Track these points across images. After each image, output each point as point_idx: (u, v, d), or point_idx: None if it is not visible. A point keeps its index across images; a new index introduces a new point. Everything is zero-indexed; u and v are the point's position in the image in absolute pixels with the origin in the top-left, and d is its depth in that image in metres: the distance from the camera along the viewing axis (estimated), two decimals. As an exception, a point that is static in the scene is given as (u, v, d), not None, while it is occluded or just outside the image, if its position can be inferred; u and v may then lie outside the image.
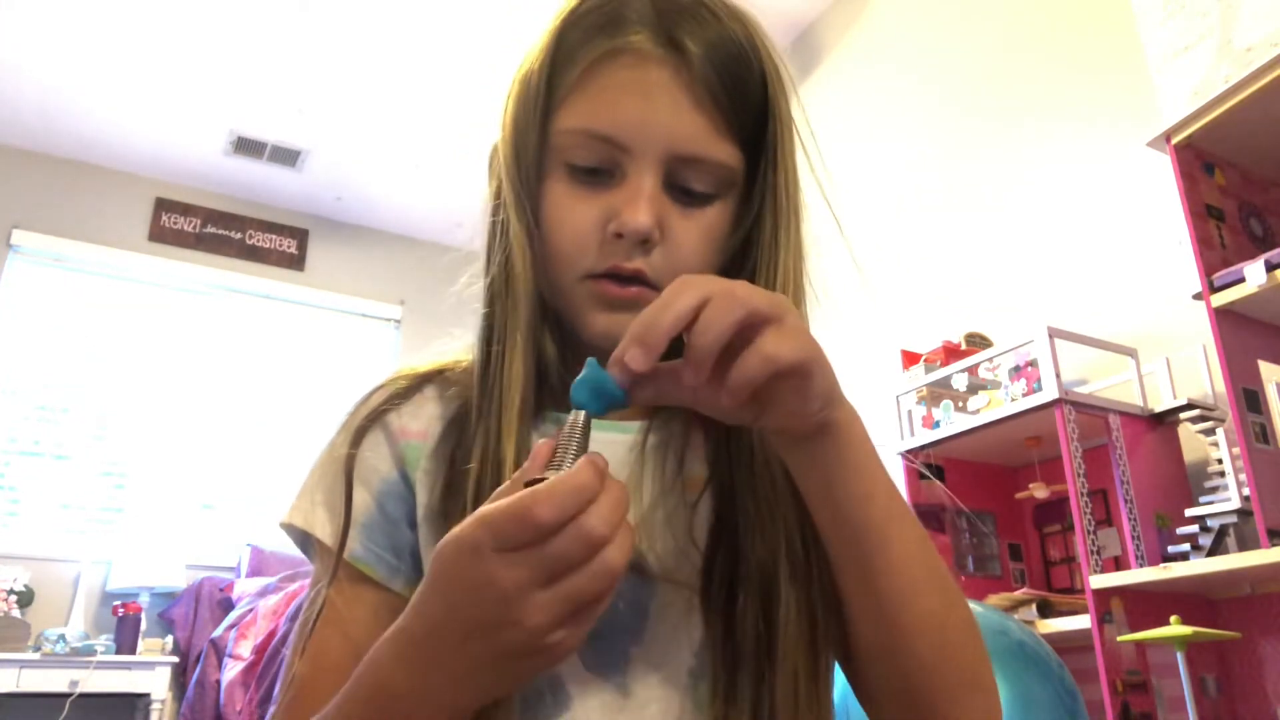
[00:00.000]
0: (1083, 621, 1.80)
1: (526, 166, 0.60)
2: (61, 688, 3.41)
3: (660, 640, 0.58)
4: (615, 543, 0.42)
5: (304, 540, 0.63)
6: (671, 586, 0.58)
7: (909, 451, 2.27)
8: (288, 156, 4.44)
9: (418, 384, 0.66)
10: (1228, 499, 1.70)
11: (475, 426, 0.58)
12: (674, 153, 0.57)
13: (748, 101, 0.59)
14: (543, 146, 0.60)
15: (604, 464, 0.44)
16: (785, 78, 0.62)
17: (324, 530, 0.61)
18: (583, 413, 0.47)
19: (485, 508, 0.43)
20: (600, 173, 0.58)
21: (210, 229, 4.67)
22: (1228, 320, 1.66)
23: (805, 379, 0.47)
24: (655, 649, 0.58)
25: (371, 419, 0.63)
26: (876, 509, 0.51)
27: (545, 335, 0.61)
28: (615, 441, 0.61)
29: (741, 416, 0.50)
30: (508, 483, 0.46)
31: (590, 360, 0.48)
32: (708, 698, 0.57)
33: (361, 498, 0.61)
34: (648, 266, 0.57)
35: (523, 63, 0.62)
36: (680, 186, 0.58)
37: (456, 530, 0.44)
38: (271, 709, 0.58)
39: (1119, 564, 1.96)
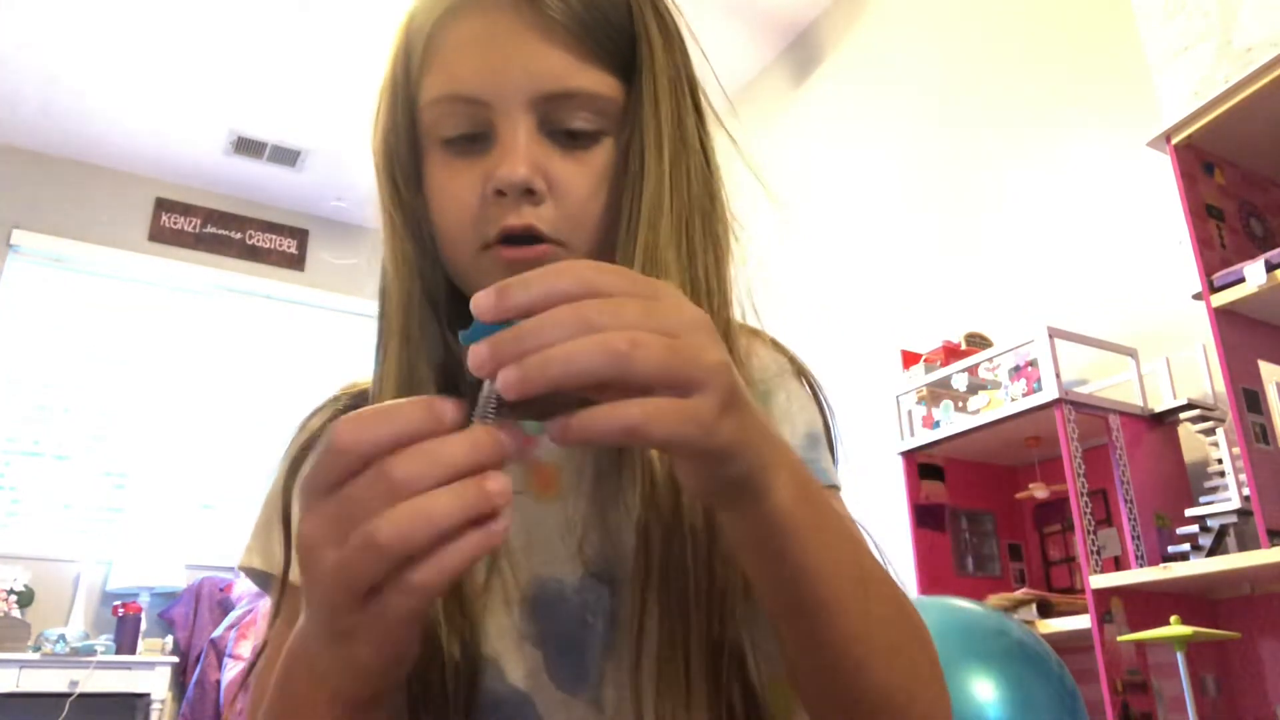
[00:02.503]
0: (1083, 621, 1.80)
1: (400, 160, 0.58)
2: (61, 688, 3.41)
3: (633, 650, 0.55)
4: (432, 495, 0.35)
5: (264, 580, 0.61)
6: (669, 595, 0.55)
7: (909, 451, 2.27)
8: (288, 156, 4.45)
9: (358, 399, 0.64)
10: (1228, 499, 1.70)
11: None
12: (538, 93, 0.53)
13: (610, 26, 0.55)
14: (415, 134, 0.57)
15: (454, 412, 0.37)
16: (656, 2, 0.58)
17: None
18: (486, 382, 0.37)
19: None
20: (475, 139, 0.55)
21: (210, 229, 4.67)
22: (1228, 320, 1.66)
23: (698, 465, 0.40)
24: (628, 659, 0.54)
25: (306, 447, 0.61)
26: (811, 590, 0.44)
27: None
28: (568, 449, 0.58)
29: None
30: None
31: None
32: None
33: None
34: (539, 220, 0.53)
35: (384, 69, 0.59)
36: (561, 130, 0.55)
37: None
38: None
39: (1119, 564, 1.96)
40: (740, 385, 0.40)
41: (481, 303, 0.37)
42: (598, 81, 0.55)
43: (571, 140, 0.55)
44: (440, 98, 0.55)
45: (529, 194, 0.53)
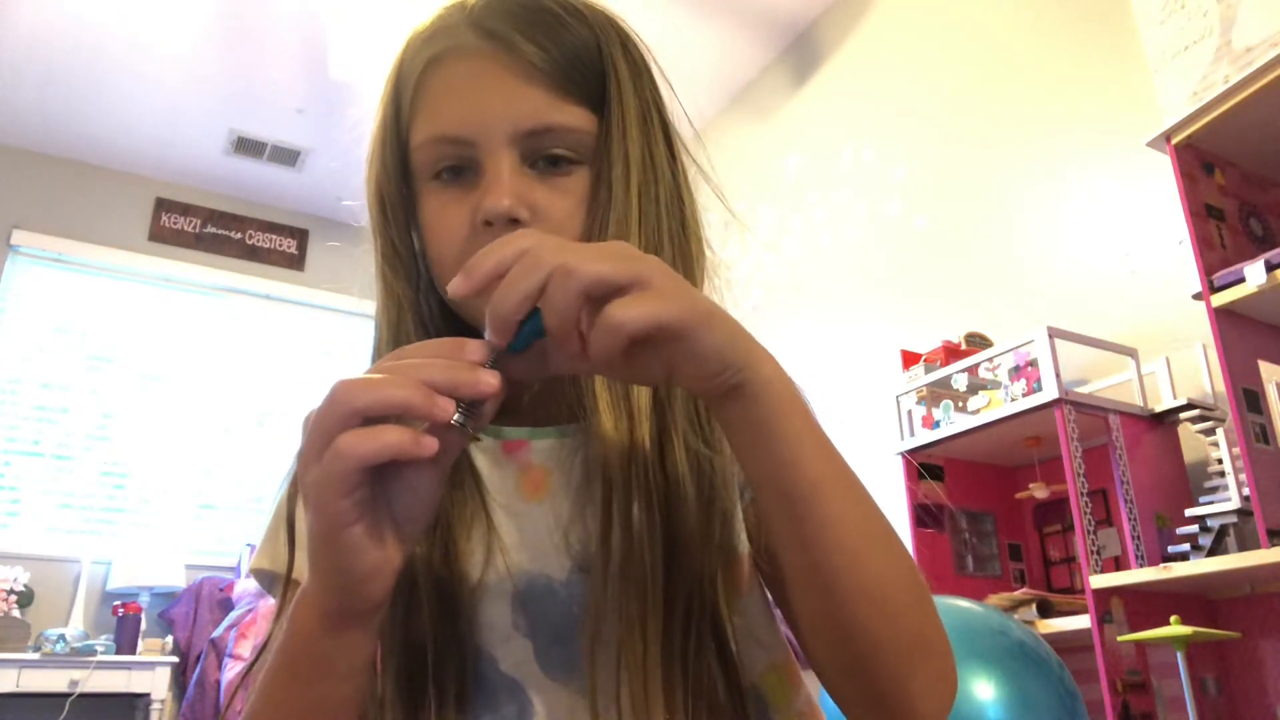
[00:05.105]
0: (1083, 621, 1.80)
1: (391, 199, 0.63)
2: (61, 688, 3.41)
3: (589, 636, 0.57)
4: (364, 384, 0.43)
5: (271, 581, 0.62)
6: (629, 583, 0.57)
7: (909, 451, 2.27)
8: (288, 156, 4.44)
9: None
10: (1228, 499, 1.70)
11: None
12: (518, 130, 0.58)
13: (582, 65, 0.60)
14: (407, 174, 0.63)
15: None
16: (624, 37, 0.63)
17: (302, 570, 0.59)
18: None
19: None
20: (463, 175, 0.59)
21: (210, 229, 4.67)
22: (1228, 320, 1.66)
23: (681, 341, 0.44)
24: (617, 648, 0.56)
25: None
26: (804, 473, 0.48)
27: None
28: (563, 446, 0.61)
29: (648, 379, 0.49)
30: None
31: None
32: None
33: None
34: None
35: (376, 114, 0.65)
36: (543, 159, 0.59)
37: None
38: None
39: (1119, 564, 1.96)
40: (683, 280, 0.46)
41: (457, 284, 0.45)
42: (573, 116, 0.59)
43: (551, 167, 0.60)
44: (430, 139, 0.60)
45: (514, 223, 0.57)
